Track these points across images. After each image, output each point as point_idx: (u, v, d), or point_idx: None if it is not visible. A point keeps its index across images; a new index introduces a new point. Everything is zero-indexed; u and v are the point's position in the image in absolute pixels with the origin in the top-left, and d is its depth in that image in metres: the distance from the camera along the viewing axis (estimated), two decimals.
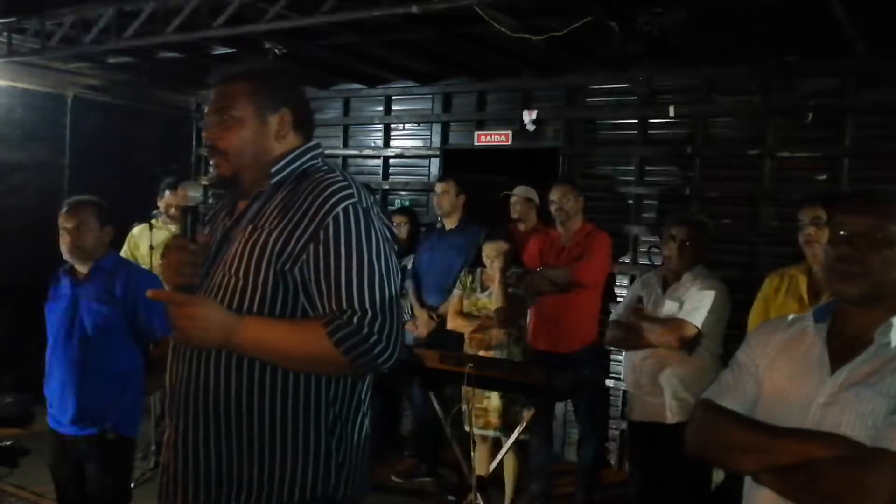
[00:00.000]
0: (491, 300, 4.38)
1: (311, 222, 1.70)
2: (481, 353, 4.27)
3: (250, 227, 1.77)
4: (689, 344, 3.43)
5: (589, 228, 4.85)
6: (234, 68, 1.91)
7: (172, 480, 1.84)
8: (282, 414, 1.73)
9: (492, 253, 4.39)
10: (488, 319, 4.37)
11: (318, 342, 1.66)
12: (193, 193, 1.83)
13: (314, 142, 1.91)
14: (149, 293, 1.75)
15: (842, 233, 1.62)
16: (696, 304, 3.46)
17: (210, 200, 1.80)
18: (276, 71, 1.98)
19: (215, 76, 1.90)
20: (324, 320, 1.67)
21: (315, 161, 1.87)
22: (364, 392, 1.86)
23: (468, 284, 4.54)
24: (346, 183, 1.76)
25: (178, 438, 1.81)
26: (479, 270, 4.51)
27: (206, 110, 1.88)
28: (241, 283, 1.73)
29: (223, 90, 1.86)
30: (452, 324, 4.57)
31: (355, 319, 1.66)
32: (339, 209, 1.70)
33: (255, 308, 1.72)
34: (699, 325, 3.43)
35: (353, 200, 1.73)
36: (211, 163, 1.87)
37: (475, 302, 4.47)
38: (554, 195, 4.83)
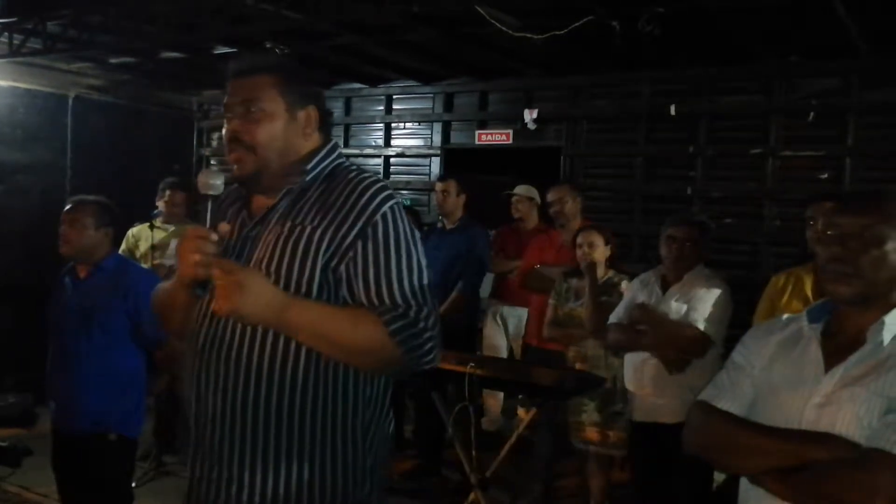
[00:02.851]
0: (583, 309, 4.11)
1: (357, 219, 1.66)
2: (578, 365, 4.15)
3: (288, 225, 1.70)
4: (701, 355, 3.41)
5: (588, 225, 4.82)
6: (259, 59, 1.82)
7: (205, 487, 1.73)
8: (322, 415, 1.68)
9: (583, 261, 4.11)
10: (579, 329, 4.14)
11: (374, 331, 1.61)
12: (215, 181, 1.73)
13: (334, 141, 1.86)
14: (198, 263, 1.60)
15: (832, 233, 1.62)
16: (716, 318, 3.43)
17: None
18: (300, 65, 1.89)
19: (237, 65, 1.80)
20: (377, 311, 1.63)
21: (341, 160, 1.82)
22: (389, 395, 1.83)
23: (563, 292, 4.29)
24: (384, 183, 1.74)
25: (209, 444, 1.72)
26: (574, 279, 4.23)
27: (226, 101, 1.77)
28: (281, 280, 1.66)
29: (249, 81, 1.76)
30: (546, 333, 4.36)
31: (412, 313, 1.64)
32: (385, 208, 1.68)
33: None
34: (717, 340, 3.40)
35: (395, 200, 1.72)
36: (230, 157, 1.77)
37: (569, 311, 4.24)
38: (552, 197, 4.77)
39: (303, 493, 1.68)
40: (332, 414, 1.69)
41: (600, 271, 4.09)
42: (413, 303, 1.65)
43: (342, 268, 1.67)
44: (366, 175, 1.75)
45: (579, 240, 4.14)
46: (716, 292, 3.46)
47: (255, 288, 1.55)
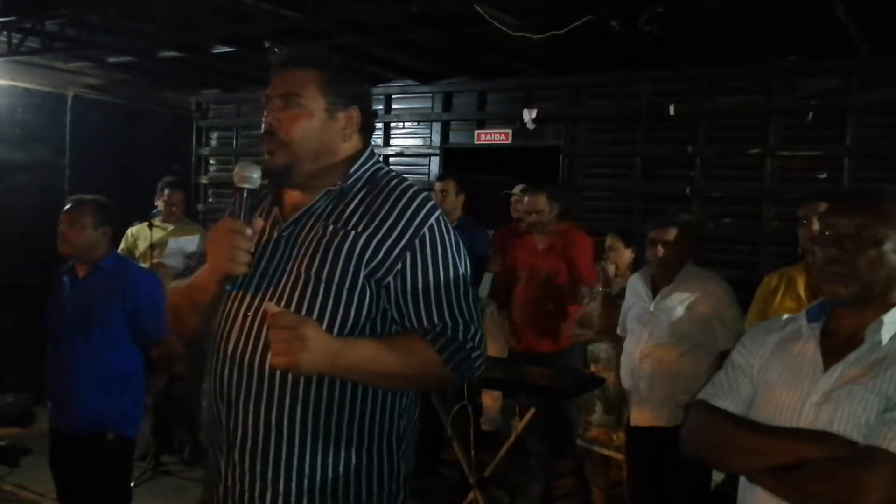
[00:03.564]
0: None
1: (405, 231, 1.63)
2: (592, 366, 4.15)
3: (331, 228, 1.65)
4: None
5: (563, 228, 4.73)
6: (306, 52, 1.76)
7: (233, 494, 1.68)
8: (359, 425, 1.64)
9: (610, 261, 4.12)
10: (591, 330, 4.17)
11: (426, 359, 1.62)
12: (251, 174, 1.67)
13: (372, 146, 1.82)
14: (270, 312, 1.51)
15: (829, 234, 1.63)
16: (739, 328, 3.42)
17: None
18: (348, 64, 1.84)
19: (283, 56, 1.75)
20: (428, 336, 1.62)
21: (379, 165, 1.78)
22: (419, 404, 1.81)
23: (594, 291, 4.27)
24: (427, 193, 1.72)
25: (240, 452, 1.66)
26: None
27: (267, 92, 1.73)
28: (322, 284, 1.61)
29: (292, 74, 1.70)
30: (568, 332, 4.38)
31: (460, 333, 1.64)
32: (432, 220, 1.66)
33: (339, 312, 1.61)
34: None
35: (440, 211, 1.70)
36: (263, 148, 1.72)
37: (589, 311, 4.24)
38: (528, 206, 4.66)
39: (337, 502, 1.64)
40: (368, 424, 1.66)
41: (625, 274, 4.06)
42: (461, 321, 1.64)
43: (389, 279, 1.63)
44: (409, 183, 1.72)
45: (608, 243, 4.15)
46: (732, 306, 3.43)
47: (314, 342, 1.49)
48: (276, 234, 1.71)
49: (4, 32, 5.76)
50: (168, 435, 5.36)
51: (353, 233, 1.63)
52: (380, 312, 1.65)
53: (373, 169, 1.75)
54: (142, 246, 5.29)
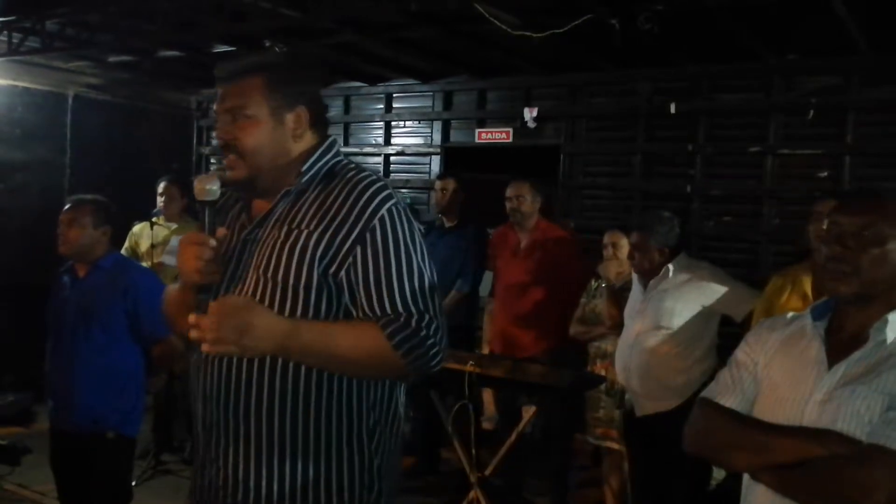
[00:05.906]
0: (603, 305, 4.11)
1: (355, 224, 1.64)
2: (598, 362, 4.16)
3: (285, 229, 1.68)
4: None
5: (544, 226, 4.73)
6: (244, 61, 1.77)
7: (209, 491, 1.74)
8: (326, 419, 1.67)
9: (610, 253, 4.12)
10: (600, 326, 4.17)
11: (376, 344, 1.62)
12: (211, 187, 1.71)
13: (332, 138, 1.82)
14: (212, 305, 1.55)
15: (833, 231, 1.63)
16: (744, 295, 3.45)
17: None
18: (290, 63, 1.84)
19: (223, 70, 1.77)
20: (380, 322, 1.63)
21: (339, 158, 1.78)
22: (400, 396, 1.81)
23: (591, 290, 4.29)
24: (383, 183, 1.71)
25: (214, 448, 1.72)
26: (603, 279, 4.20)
27: (214, 107, 1.77)
28: (279, 286, 1.64)
29: (233, 87, 1.73)
30: (571, 330, 4.36)
31: (413, 322, 1.63)
32: (383, 210, 1.65)
33: (297, 312, 1.64)
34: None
35: (394, 201, 1.68)
36: (223, 163, 1.76)
37: (592, 307, 4.24)
38: (510, 193, 4.66)
39: (308, 497, 1.67)
40: (335, 418, 1.68)
41: (626, 270, 4.06)
42: (414, 310, 1.64)
43: (342, 274, 1.65)
44: (364, 174, 1.71)
45: (605, 240, 4.16)
46: (725, 282, 3.45)
47: (259, 326, 1.53)
48: (241, 238, 1.76)
49: (4, 32, 5.76)
50: (168, 434, 5.36)
51: (305, 231, 1.66)
52: (341, 309, 1.67)
53: (332, 163, 1.76)
54: (143, 245, 5.30)
